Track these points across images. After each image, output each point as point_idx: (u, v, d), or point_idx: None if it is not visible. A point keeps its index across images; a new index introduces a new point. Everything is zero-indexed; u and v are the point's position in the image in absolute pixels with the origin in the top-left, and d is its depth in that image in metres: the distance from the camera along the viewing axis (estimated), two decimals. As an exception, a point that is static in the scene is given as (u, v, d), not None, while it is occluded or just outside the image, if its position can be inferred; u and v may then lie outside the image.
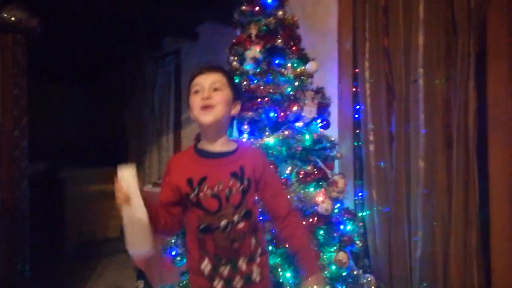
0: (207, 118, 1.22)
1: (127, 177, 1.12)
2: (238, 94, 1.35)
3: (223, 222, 1.21)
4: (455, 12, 1.98)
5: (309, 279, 1.33)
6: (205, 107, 1.22)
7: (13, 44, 2.01)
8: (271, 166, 1.48)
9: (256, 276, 1.26)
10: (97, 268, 3.69)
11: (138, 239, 1.11)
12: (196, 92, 1.25)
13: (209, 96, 1.22)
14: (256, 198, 1.33)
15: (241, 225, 1.23)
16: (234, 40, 2.15)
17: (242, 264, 1.23)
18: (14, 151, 2.03)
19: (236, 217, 1.22)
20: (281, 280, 1.75)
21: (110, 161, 5.60)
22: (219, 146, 1.28)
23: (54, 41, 3.84)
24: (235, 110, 1.31)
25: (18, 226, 2.09)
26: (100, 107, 6.06)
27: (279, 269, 1.76)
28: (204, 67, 1.29)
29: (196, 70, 1.29)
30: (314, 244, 1.52)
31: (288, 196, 1.59)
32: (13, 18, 1.99)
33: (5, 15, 1.96)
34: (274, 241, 1.75)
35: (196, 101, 1.24)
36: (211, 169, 1.23)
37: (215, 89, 1.24)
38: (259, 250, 1.28)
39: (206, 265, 1.23)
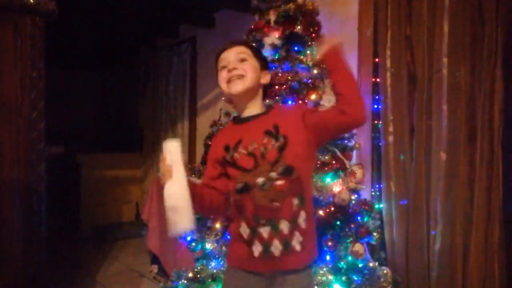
0: (236, 87, 1.22)
1: (172, 150, 1.11)
2: (266, 64, 1.33)
3: (260, 180, 1.16)
4: (482, -1, 1.90)
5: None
6: (233, 79, 1.22)
7: (32, 26, 2.00)
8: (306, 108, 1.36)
9: (296, 243, 1.16)
10: (112, 251, 3.74)
11: (179, 215, 1.07)
12: (223, 67, 1.26)
13: (234, 67, 1.23)
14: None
15: (280, 182, 1.16)
16: (252, 26, 2.11)
17: (284, 226, 1.16)
18: (31, 134, 2.04)
19: (273, 174, 1.16)
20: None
21: (125, 147, 5.66)
22: (252, 110, 1.28)
23: (70, 27, 3.84)
24: (265, 79, 1.30)
25: (35, 208, 2.11)
26: (115, 94, 6.09)
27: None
28: (227, 42, 1.29)
29: (218, 49, 1.30)
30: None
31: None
32: (32, 1, 1.98)
33: (24, -2, 1.96)
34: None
35: (223, 75, 1.25)
36: (245, 132, 1.23)
37: (241, 60, 1.24)
38: (304, 215, 1.18)
39: (244, 229, 1.19)
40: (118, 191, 4.67)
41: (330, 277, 1.77)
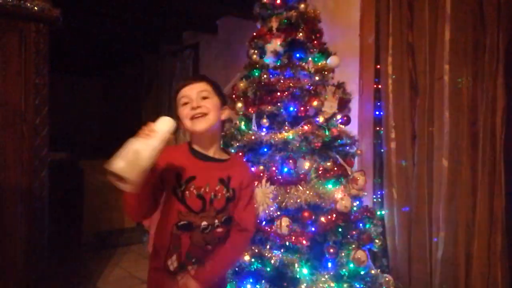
0: (200, 125, 1.24)
1: (164, 124, 1.11)
2: (225, 100, 1.36)
3: (203, 223, 1.23)
4: (484, 6, 1.92)
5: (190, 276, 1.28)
6: (197, 117, 1.24)
7: (36, 33, 2.02)
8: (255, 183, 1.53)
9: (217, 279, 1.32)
10: (113, 258, 3.73)
11: (130, 166, 1.01)
12: (185, 104, 1.26)
13: (198, 105, 1.24)
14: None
15: (219, 229, 1.26)
16: (254, 33, 2.12)
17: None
18: (35, 140, 2.05)
19: (216, 221, 1.25)
20: (297, 276, 1.74)
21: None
22: (212, 152, 1.30)
23: (74, 34, 3.88)
24: (225, 115, 1.34)
25: (38, 213, 2.12)
26: (119, 100, 6.11)
27: (296, 265, 1.74)
28: (187, 78, 1.33)
29: (179, 83, 1.32)
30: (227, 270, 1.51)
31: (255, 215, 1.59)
32: (36, 8, 2.00)
33: (29, 5, 1.98)
34: (293, 237, 1.73)
35: (186, 112, 1.25)
36: (201, 170, 1.25)
37: (203, 98, 1.26)
38: None
39: (172, 262, 1.25)
40: (120, 197, 4.65)
41: (332, 284, 1.76)
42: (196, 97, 1.25)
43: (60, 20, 2.09)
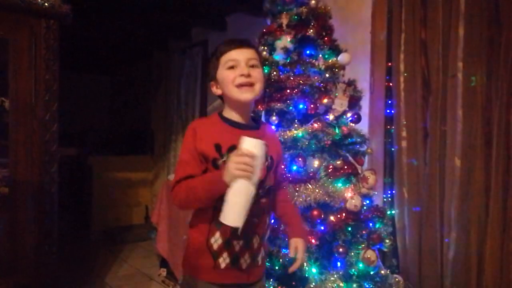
0: (247, 95, 1.17)
1: (261, 154, 1.03)
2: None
3: None
4: (499, 2, 1.87)
5: (300, 239, 1.30)
6: (244, 85, 1.17)
7: (46, 29, 2.02)
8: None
9: (260, 258, 1.23)
10: (121, 254, 3.76)
11: (243, 214, 1.01)
12: (231, 68, 1.18)
13: (249, 73, 1.17)
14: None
15: (263, 200, 1.19)
16: (264, 30, 2.10)
17: (255, 242, 1.20)
18: (45, 135, 2.06)
19: (260, 191, 1.17)
20: (306, 275, 1.72)
21: (136, 150, 5.69)
22: (245, 119, 1.24)
23: (83, 31, 3.89)
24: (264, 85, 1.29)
25: (47, 209, 2.13)
26: (128, 97, 6.14)
27: (304, 264, 1.73)
28: (236, 41, 1.21)
29: (224, 45, 1.21)
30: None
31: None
32: (46, 4, 2.00)
33: (39, 1, 1.98)
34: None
35: (232, 77, 1.17)
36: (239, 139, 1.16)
37: (252, 66, 1.19)
38: (268, 233, 1.27)
39: (216, 240, 1.16)
40: (129, 193, 4.70)
41: (341, 284, 1.74)
42: (244, 64, 1.17)
43: (70, 16, 2.09)
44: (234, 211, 1.01)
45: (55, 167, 2.13)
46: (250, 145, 1.02)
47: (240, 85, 1.17)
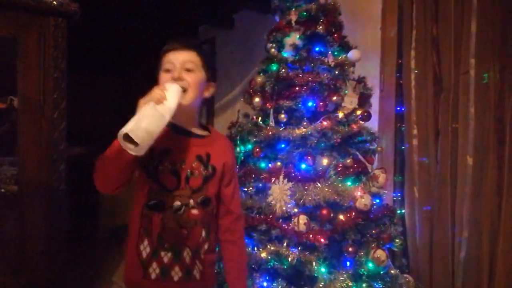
0: (181, 92, 1.12)
1: (175, 90, 1.06)
2: (214, 75, 1.23)
3: (176, 203, 1.12)
4: (514, -3, 1.83)
5: None
6: None
7: (54, 27, 2.02)
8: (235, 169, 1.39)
9: (197, 272, 1.16)
10: (129, 253, 3.76)
11: (145, 129, 0.97)
12: (167, 70, 1.14)
13: (179, 77, 1.12)
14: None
15: (195, 211, 1.14)
16: (273, 26, 2.08)
17: (186, 255, 1.14)
18: (53, 134, 2.06)
19: (191, 201, 1.13)
20: (315, 274, 1.70)
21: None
22: (189, 127, 1.20)
23: (90, 29, 3.89)
24: (209, 92, 1.22)
25: (56, 208, 2.13)
26: (135, 95, 6.14)
27: (313, 263, 1.71)
28: (177, 42, 1.17)
29: (169, 44, 1.18)
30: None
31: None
32: (54, 2, 2.00)
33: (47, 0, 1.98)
34: (311, 235, 1.69)
35: (165, 80, 1.13)
36: (177, 144, 1.14)
37: (187, 70, 1.14)
38: (206, 246, 1.19)
39: (145, 247, 1.13)
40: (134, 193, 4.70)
41: (351, 284, 1.72)
42: (180, 67, 1.13)
43: (78, 15, 2.09)
44: (133, 119, 0.99)
45: (64, 165, 2.13)
46: (170, 85, 1.07)
47: None
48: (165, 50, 1.17)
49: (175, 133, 1.16)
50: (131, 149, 0.97)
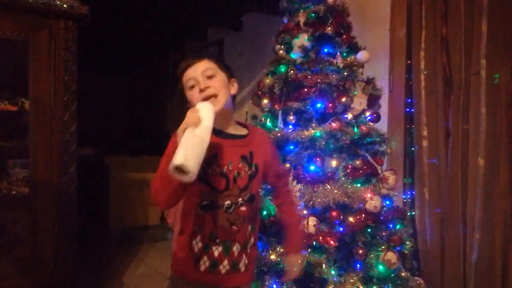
0: (214, 107, 1.18)
1: (207, 109, 1.09)
2: (231, 72, 1.29)
3: (227, 202, 1.20)
4: (525, -3, 1.80)
5: (295, 255, 1.38)
6: (207, 98, 1.18)
7: (65, 30, 2.05)
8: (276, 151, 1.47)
9: (242, 265, 1.25)
10: (138, 254, 3.78)
11: (191, 157, 1.02)
12: (192, 87, 1.21)
13: (206, 86, 1.18)
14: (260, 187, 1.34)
15: (243, 208, 1.22)
16: (281, 28, 2.08)
17: (235, 249, 1.23)
18: (64, 135, 2.08)
19: (240, 200, 1.21)
20: (325, 277, 1.69)
21: (151, 150, 5.71)
22: (230, 128, 1.27)
23: (100, 31, 3.93)
24: (234, 88, 1.28)
25: (66, 209, 2.15)
26: (144, 97, 6.20)
27: (323, 266, 1.70)
28: (187, 60, 1.25)
29: (181, 65, 1.25)
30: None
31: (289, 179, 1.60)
32: (65, 5, 2.03)
33: (58, 2, 2.01)
34: (320, 237, 1.69)
35: (195, 96, 1.19)
36: (222, 148, 1.21)
37: (209, 77, 1.20)
38: (252, 240, 1.27)
39: (197, 242, 1.22)
40: (145, 194, 4.72)
41: (361, 286, 1.71)
42: (202, 78, 1.19)
43: (88, 17, 2.12)
44: (179, 152, 1.02)
45: (74, 167, 2.15)
46: (202, 106, 1.10)
47: (205, 99, 1.18)
48: (181, 72, 1.24)
49: (219, 137, 1.22)
50: (183, 178, 1.02)
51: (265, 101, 2.00)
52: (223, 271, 1.21)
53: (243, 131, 1.29)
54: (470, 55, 2.01)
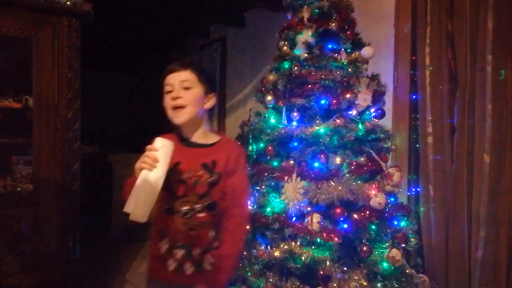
0: (178, 119, 1.27)
1: (166, 148, 1.15)
2: (212, 86, 1.35)
3: (185, 208, 1.25)
4: (532, -9, 1.78)
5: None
6: (176, 108, 1.26)
7: (68, 27, 2.05)
8: (246, 167, 1.47)
9: (208, 265, 1.28)
10: (141, 251, 3.79)
11: (140, 205, 1.11)
12: (168, 92, 1.28)
13: (178, 96, 1.25)
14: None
15: (201, 214, 1.26)
16: (285, 24, 2.07)
17: (196, 253, 1.27)
18: (67, 133, 2.09)
19: (198, 206, 1.26)
20: (329, 274, 1.68)
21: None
22: (197, 138, 1.33)
23: (102, 29, 3.92)
24: (210, 103, 1.33)
25: (70, 206, 2.15)
26: (146, 94, 6.19)
27: (327, 262, 1.69)
28: (173, 65, 1.31)
29: (167, 67, 1.31)
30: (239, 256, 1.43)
31: (248, 203, 1.52)
32: (68, 3, 2.02)
33: (61, 0, 2.00)
34: (324, 234, 1.68)
35: (167, 101, 1.27)
36: (185, 156, 1.27)
37: (185, 88, 1.26)
38: (216, 244, 1.30)
39: (163, 246, 1.28)
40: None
41: (365, 283, 1.70)
42: (178, 87, 1.26)
43: (91, 15, 2.11)
44: (131, 199, 1.12)
45: (77, 164, 2.15)
46: (157, 143, 1.16)
47: (173, 108, 1.27)
48: (164, 74, 1.30)
49: (183, 145, 1.31)
50: (140, 221, 1.11)
51: (269, 97, 1.99)
52: (188, 271, 1.26)
53: (212, 140, 1.34)
54: (475, 50, 1.99)
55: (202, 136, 1.34)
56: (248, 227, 1.50)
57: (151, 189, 1.12)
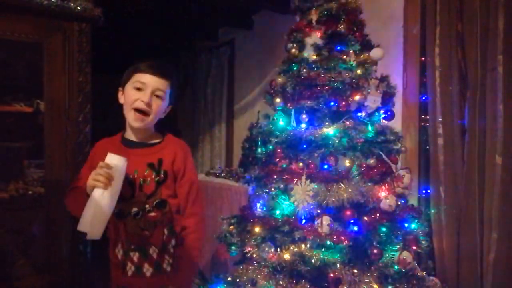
0: (137, 124, 1.28)
1: (120, 166, 1.14)
2: (175, 98, 1.38)
3: (134, 209, 1.25)
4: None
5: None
6: (140, 111, 1.25)
7: (79, 32, 2.07)
8: (194, 165, 1.49)
9: (167, 266, 1.29)
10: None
11: (97, 224, 1.11)
12: (138, 89, 1.27)
13: (147, 103, 1.24)
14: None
15: (152, 214, 1.26)
16: (293, 27, 2.07)
17: (153, 252, 1.27)
18: (78, 137, 2.10)
19: (147, 206, 1.26)
20: (339, 276, 1.68)
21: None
22: (142, 137, 1.34)
23: (110, 33, 3.95)
24: (165, 113, 1.37)
25: (81, 209, 2.17)
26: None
27: (337, 265, 1.68)
28: (153, 67, 1.30)
29: (143, 64, 1.30)
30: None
31: (202, 201, 1.50)
32: (78, 8, 2.05)
33: (72, 5, 2.03)
34: (334, 236, 1.67)
35: (134, 99, 1.26)
36: (130, 157, 1.24)
37: (157, 96, 1.27)
38: (173, 242, 1.30)
39: (119, 250, 1.29)
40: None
41: (376, 286, 1.69)
42: (150, 92, 1.25)
43: (101, 19, 2.13)
44: (84, 217, 1.11)
45: (88, 167, 2.16)
46: (110, 159, 1.14)
47: (136, 109, 1.25)
48: (140, 69, 1.29)
49: (127, 147, 1.32)
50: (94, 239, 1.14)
51: (278, 100, 1.99)
52: (147, 273, 1.27)
53: (156, 140, 1.35)
54: (486, 51, 1.97)
55: (148, 136, 1.35)
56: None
57: (107, 207, 1.12)
